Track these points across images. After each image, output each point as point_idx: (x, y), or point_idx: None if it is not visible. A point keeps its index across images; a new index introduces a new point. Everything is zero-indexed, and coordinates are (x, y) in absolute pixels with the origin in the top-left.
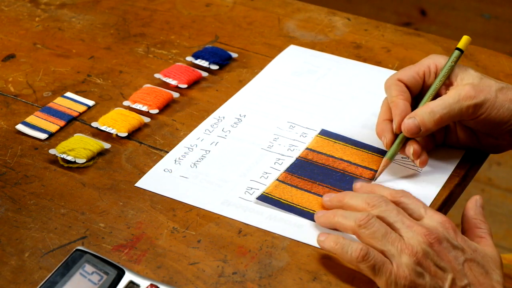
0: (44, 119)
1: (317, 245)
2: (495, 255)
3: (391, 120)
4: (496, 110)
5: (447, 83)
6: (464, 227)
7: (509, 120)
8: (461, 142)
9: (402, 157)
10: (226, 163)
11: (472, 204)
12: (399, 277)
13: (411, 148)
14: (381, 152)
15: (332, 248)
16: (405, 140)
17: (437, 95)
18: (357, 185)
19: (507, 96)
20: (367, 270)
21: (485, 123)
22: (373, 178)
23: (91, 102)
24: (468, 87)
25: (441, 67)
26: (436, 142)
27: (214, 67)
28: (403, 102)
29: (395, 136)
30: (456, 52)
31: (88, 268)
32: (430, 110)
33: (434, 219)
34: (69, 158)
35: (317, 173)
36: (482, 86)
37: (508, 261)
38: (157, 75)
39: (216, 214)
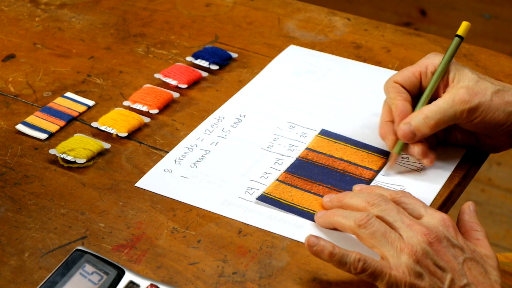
0: (44, 119)
1: None
2: (492, 256)
3: (393, 121)
4: (491, 113)
5: (445, 83)
6: (461, 231)
7: (505, 122)
8: (460, 142)
9: (402, 157)
10: (226, 163)
11: (466, 208)
12: (399, 278)
13: (416, 148)
14: (381, 152)
15: (328, 260)
16: None
17: (435, 94)
18: (357, 187)
19: (503, 98)
20: (367, 278)
21: (481, 125)
22: (373, 178)
23: (91, 102)
24: (462, 91)
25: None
26: (438, 139)
27: (214, 67)
28: (402, 103)
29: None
30: (456, 39)
31: (88, 268)
32: (424, 116)
33: (435, 217)
34: (69, 158)
35: (317, 173)
36: (477, 89)
37: (509, 260)
38: (157, 75)
39: (216, 214)
